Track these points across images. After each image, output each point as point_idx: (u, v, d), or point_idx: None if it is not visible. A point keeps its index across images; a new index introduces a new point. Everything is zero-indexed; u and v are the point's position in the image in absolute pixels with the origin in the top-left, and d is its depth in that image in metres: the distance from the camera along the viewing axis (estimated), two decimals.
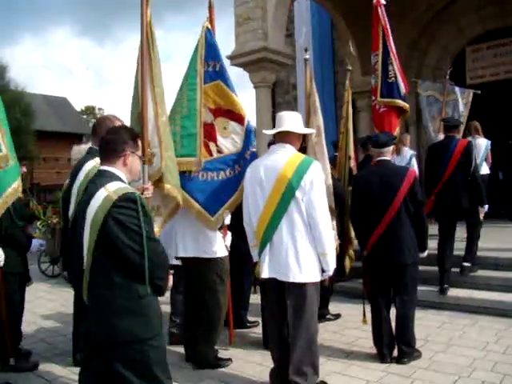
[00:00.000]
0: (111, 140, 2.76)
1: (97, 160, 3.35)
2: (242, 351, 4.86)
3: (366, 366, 4.36)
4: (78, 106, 51.65)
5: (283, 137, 3.70)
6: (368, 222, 4.53)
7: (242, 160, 4.51)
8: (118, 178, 2.68)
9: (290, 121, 3.70)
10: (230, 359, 4.57)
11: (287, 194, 3.49)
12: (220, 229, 4.53)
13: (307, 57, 5.43)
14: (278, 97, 15.30)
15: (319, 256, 3.55)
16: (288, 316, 3.59)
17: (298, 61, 13.98)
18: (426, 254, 4.63)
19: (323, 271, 3.61)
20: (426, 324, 5.42)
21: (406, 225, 4.41)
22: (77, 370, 4.32)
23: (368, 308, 4.76)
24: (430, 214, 6.16)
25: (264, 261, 3.59)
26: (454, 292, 6.08)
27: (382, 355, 4.43)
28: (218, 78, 4.57)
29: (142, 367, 2.56)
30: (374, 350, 4.59)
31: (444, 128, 6.59)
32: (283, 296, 3.61)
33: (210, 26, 4.67)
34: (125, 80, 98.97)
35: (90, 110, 54.40)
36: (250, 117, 4.74)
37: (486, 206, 6.16)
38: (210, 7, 4.75)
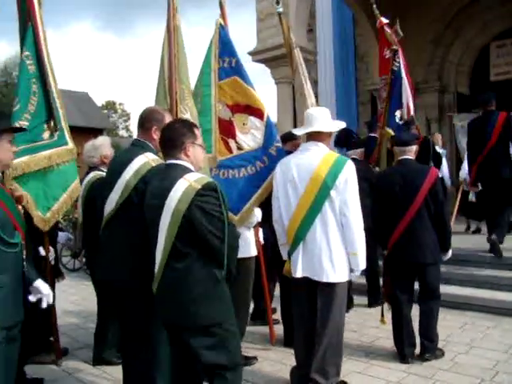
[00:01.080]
0: (169, 136, 2.85)
1: (148, 156, 3.17)
2: (260, 348, 4.86)
3: (386, 365, 4.33)
4: (99, 100, 52.04)
5: (315, 135, 3.68)
6: (389, 221, 4.48)
7: (266, 156, 4.46)
8: (189, 169, 2.79)
9: (321, 119, 3.68)
10: (255, 357, 4.55)
11: (322, 193, 3.49)
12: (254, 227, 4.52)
13: (280, 10, 5.43)
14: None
15: (349, 255, 3.55)
16: (318, 315, 3.61)
17: (320, 57, 13.89)
18: (449, 254, 4.56)
19: (351, 271, 3.61)
20: (448, 325, 5.34)
21: (427, 224, 4.36)
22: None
23: (386, 308, 4.72)
24: (474, 181, 6.73)
25: (297, 260, 3.61)
26: (476, 293, 5.99)
27: (403, 356, 4.39)
28: (234, 73, 4.53)
29: (217, 349, 2.69)
30: (394, 350, 4.54)
31: (481, 104, 6.80)
32: (314, 295, 3.63)
33: (223, 23, 4.64)
34: (144, 75, 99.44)
35: (110, 105, 54.84)
36: (270, 112, 4.70)
37: None
38: (221, 4, 4.73)
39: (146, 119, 3.36)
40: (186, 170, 2.76)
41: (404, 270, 4.46)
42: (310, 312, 3.69)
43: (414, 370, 4.21)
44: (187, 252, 2.65)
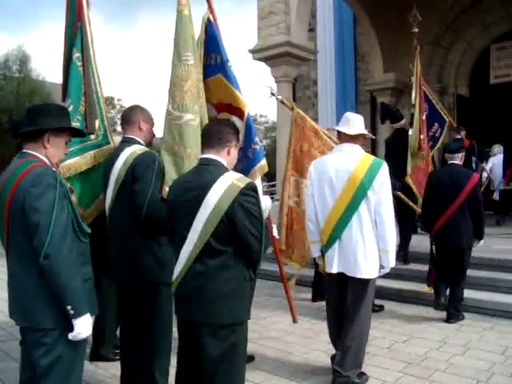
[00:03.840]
0: (219, 130, 2.83)
1: (135, 147, 3.36)
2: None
3: (382, 366, 4.33)
4: None
5: (351, 137, 3.90)
6: (435, 211, 5.55)
7: (245, 157, 4.28)
8: (226, 168, 2.79)
9: (358, 122, 3.95)
10: (252, 356, 4.46)
11: (359, 193, 3.71)
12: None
13: (279, 97, 5.60)
14: (299, 91, 15.22)
15: (380, 252, 3.78)
16: (346, 309, 3.87)
17: (320, 56, 13.91)
18: (482, 242, 5.61)
19: (381, 267, 3.84)
20: (445, 326, 5.37)
21: (466, 217, 5.39)
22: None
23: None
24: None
25: (333, 256, 3.82)
26: (473, 294, 6.00)
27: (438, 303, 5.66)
28: (218, 71, 4.37)
29: (234, 348, 2.67)
30: (390, 351, 4.57)
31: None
32: (344, 287, 3.89)
33: (211, 17, 4.43)
34: (143, 70, 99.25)
35: (109, 101, 54.68)
36: (251, 111, 4.61)
37: None
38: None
39: (132, 114, 3.54)
40: (224, 168, 2.76)
41: (445, 251, 5.57)
42: (340, 305, 3.95)
43: (410, 370, 4.22)
44: (223, 249, 2.62)
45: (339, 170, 3.78)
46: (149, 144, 3.63)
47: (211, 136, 2.82)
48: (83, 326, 2.43)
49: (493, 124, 11.94)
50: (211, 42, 4.38)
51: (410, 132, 6.79)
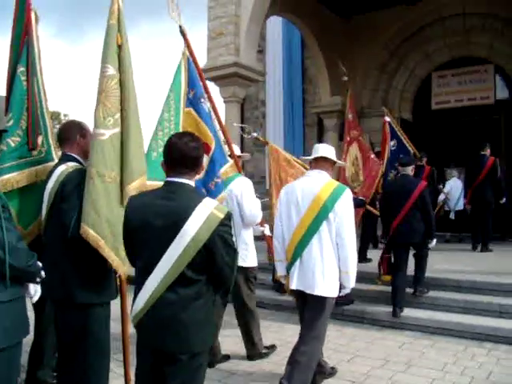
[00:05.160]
0: (196, 156, 2.67)
1: (68, 164, 3.32)
2: None
3: (325, 382, 4.36)
4: None
5: (320, 164, 4.13)
6: (391, 214, 6.34)
7: (205, 189, 4.41)
8: (197, 191, 2.76)
9: (326, 150, 4.16)
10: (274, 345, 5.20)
11: (322, 214, 3.87)
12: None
13: (254, 134, 6.48)
14: (247, 111, 15.34)
15: (341, 274, 3.92)
16: (302, 325, 4.04)
17: (268, 77, 14.10)
18: (433, 243, 6.33)
19: (342, 287, 3.99)
20: (387, 344, 5.46)
21: (417, 217, 6.20)
22: None
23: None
24: (469, 202, 9.75)
25: (294, 274, 3.97)
26: (414, 313, 6.15)
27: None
28: (190, 105, 4.54)
29: (197, 376, 2.64)
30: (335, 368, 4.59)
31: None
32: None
33: (187, 52, 4.60)
34: (91, 86, 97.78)
35: (55, 116, 53.39)
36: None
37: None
38: (182, 32, 4.61)
39: (67, 131, 3.51)
40: (196, 193, 2.70)
41: (401, 247, 6.32)
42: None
43: None
44: (197, 279, 2.54)
45: (305, 192, 3.98)
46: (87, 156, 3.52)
47: (185, 159, 2.64)
48: None
49: (435, 148, 12.33)
50: (190, 76, 4.57)
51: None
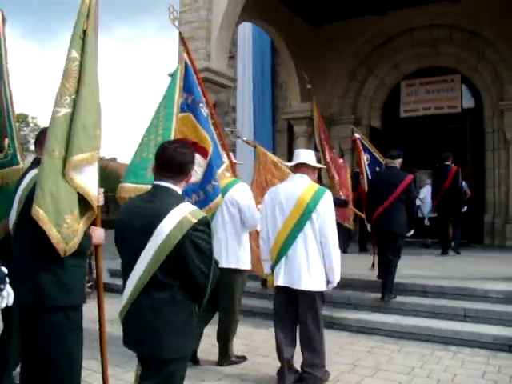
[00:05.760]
0: (184, 162, 2.71)
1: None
2: None
3: None
4: None
5: (301, 169, 4.40)
6: (375, 204, 6.55)
7: (202, 191, 4.55)
8: (181, 197, 2.71)
9: (307, 156, 4.42)
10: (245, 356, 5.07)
11: (305, 215, 4.16)
12: None
13: (244, 139, 6.80)
14: (218, 117, 15.28)
15: (326, 269, 4.20)
16: (300, 319, 4.30)
17: (239, 83, 14.12)
18: (411, 232, 6.59)
19: (328, 283, 4.26)
20: (356, 349, 5.50)
21: (400, 209, 6.36)
22: None
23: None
24: (436, 210, 10.17)
25: (279, 271, 4.24)
26: (382, 318, 6.20)
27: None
28: (189, 110, 4.65)
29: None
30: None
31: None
32: (293, 302, 4.29)
33: (187, 58, 4.74)
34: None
35: (22, 118, 52.32)
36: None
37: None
38: (182, 39, 4.81)
39: (44, 135, 3.34)
40: (179, 198, 2.66)
41: (381, 235, 6.58)
42: (289, 316, 4.37)
43: None
44: (170, 283, 2.53)
45: (288, 195, 4.26)
46: None
47: (172, 164, 2.67)
48: None
49: (403, 155, 12.52)
50: (187, 82, 4.69)
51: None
